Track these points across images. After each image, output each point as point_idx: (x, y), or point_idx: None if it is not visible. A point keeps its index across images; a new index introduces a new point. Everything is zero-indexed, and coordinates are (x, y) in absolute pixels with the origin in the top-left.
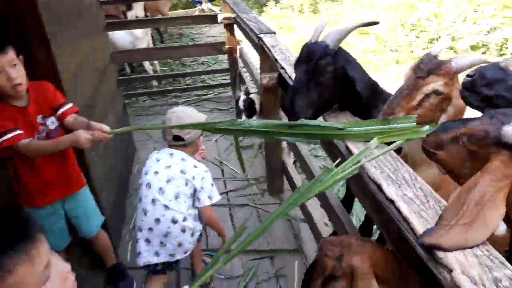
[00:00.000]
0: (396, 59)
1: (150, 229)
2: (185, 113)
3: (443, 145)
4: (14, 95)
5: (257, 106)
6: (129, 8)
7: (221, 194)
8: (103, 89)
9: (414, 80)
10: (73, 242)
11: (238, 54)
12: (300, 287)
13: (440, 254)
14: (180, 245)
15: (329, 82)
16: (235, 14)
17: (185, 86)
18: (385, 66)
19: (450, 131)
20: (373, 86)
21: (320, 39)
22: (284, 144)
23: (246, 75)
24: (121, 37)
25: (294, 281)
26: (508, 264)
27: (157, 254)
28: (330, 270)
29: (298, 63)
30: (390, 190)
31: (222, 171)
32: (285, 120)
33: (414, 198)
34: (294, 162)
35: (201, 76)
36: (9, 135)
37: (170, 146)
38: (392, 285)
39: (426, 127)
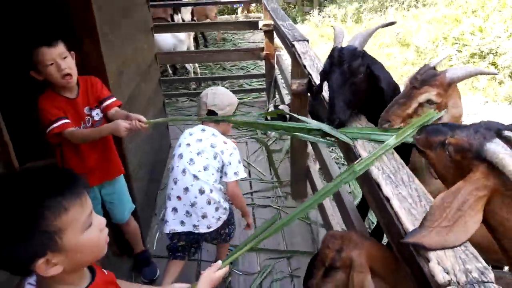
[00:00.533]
0: None
1: (179, 197)
2: (220, 91)
3: (432, 147)
4: (65, 86)
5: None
6: (176, 11)
7: (246, 194)
8: (145, 87)
9: (409, 90)
10: None
11: (275, 61)
12: (304, 276)
13: None
14: (204, 217)
15: (361, 82)
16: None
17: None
18: None
19: (439, 135)
20: (395, 86)
21: (344, 44)
22: (309, 150)
23: (281, 81)
24: (166, 39)
25: None
26: (481, 259)
27: (182, 223)
28: (330, 260)
29: (331, 67)
30: (387, 189)
31: (249, 172)
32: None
33: (407, 197)
34: (320, 170)
35: (239, 80)
36: (59, 123)
37: (203, 123)
38: (388, 280)
39: (441, 113)
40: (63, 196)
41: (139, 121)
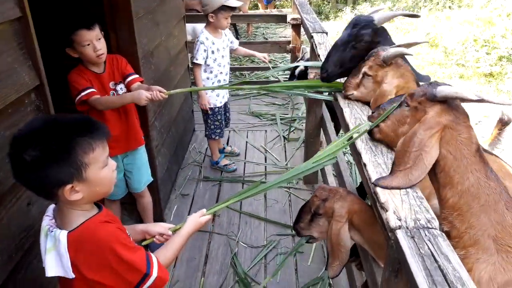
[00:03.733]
0: (461, 74)
1: None
2: None
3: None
4: (96, 63)
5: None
6: None
7: (260, 175)
8: (173, 72)
9: (360, 64)
10: (128, 201)
11: (300, 54)
12: (294, 221)
13: (382, 199)
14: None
15: (362, 50)
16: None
17: (250, 80)
18: (448, 79)
19: (395, 101)
20: None
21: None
22: (322, 138)
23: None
24: (200, 29)
25: (309, 258)
26: (431, 212)
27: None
28: (315, 207)
29: (345, 29)
30: (365, 157)
31: (265, 157)
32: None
33: (381, 164)
34: None
35: (266, 72)
36: (86, 91)
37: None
38: (364, 233)
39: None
40: (92, 138)
41: (160, 91)
